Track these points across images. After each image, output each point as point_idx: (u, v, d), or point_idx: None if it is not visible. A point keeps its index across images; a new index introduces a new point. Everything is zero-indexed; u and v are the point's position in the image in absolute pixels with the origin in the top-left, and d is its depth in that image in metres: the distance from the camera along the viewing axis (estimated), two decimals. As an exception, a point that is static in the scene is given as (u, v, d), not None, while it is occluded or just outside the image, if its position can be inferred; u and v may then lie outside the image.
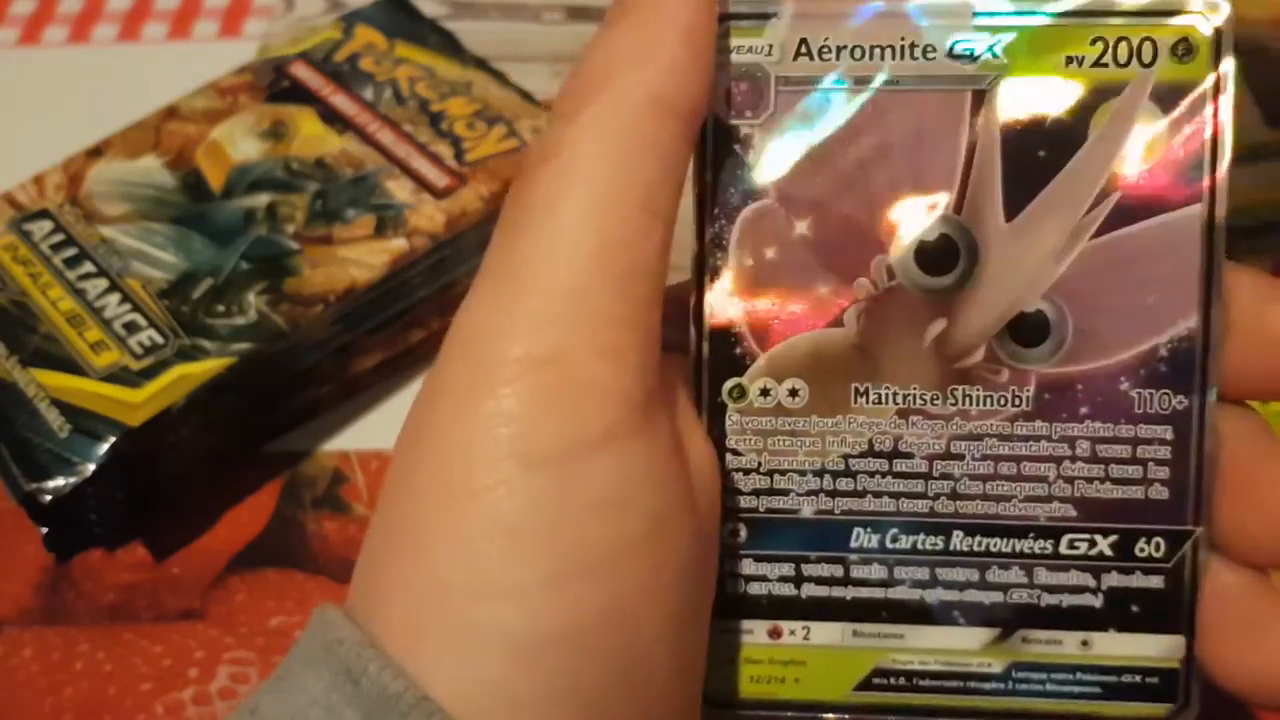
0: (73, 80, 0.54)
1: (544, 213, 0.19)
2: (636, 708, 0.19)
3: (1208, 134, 0.20)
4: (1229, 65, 0.20)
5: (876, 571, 0.22)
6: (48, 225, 0.41)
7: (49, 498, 0.34)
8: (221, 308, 0.38)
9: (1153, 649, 0.21)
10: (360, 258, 0.39)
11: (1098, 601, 0.21)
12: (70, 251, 0.40)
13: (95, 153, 0.43)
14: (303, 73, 0.45)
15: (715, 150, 0.21)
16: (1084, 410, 0.21)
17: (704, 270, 0.21)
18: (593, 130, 0.19)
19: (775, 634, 0.22)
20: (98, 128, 0.44)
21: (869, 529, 0.22)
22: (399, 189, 0.41)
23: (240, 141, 0.43)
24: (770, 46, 0.21)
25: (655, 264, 0.19)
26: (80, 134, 0.44)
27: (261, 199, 0.41)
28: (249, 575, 0.37)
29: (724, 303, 0.21)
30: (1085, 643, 0.22)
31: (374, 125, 0.43)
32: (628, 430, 0.19)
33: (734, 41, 0.21)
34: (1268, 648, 0.20)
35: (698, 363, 0.22)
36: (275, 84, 0.45)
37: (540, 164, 0.19)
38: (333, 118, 0.44)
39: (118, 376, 0.36)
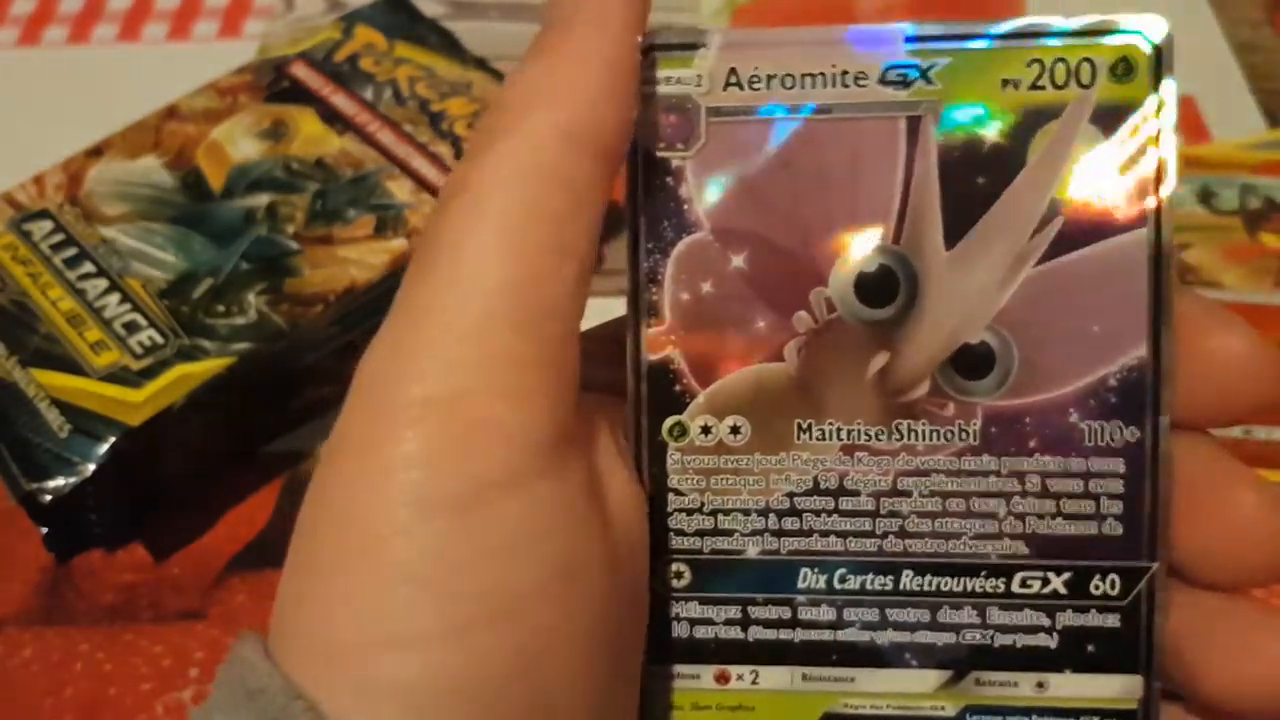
0: (73, 80, 0.54)
1: (448, 251, 0.19)
2: None
3: (1151, 155, 0.20)
4: (1170, 84, 0.20)
5: (825, 613, 0.21)
6: (48, 225, 0.41)
7: (49, 498, 0.34)
8: (221, 308, 0.38)
9: (1110, 689, 0.21)
10: (360, 258, 0.39)
11: (1053, 641, 0.21)
12: (70, 251, 0.40)
13: (95, 153, 0.43)
14: (303, 73, 0.45)
15: (646, 183, 0.21)
16: (1033, 444, 0.21)
17: (639, 306, 0.21)
18: (501, 166, 0.19)
19: (723, 679, 0.21)
20: (98, 128, 0.44)
21: (816, 569, 0.21)
22: (399, 189, 0.41)
23: (240, 141, 0.43)
24: (699, 77, 0.21)
25: (567, 302, 0.19)
26: (80, 134, 0.44)
27: (261, 199, 0.41)
28: (249, 575, 0.37)
29: (661, 339, 0.21)
30: (1041, 684, 0.21)
31: (374, 125, 0.43)
32: (534, 473, 0.18)
33: (662, 73, 0.21)
34: (1261, 660, 0.20)
35: (636, 401, 0.21)
36: (275, 84, 0.45)
37: (447, 201, 0.19)
38: (333, 118, 0.44)
39: (118, 376, 0.36)
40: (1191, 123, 0.48)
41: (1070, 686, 0.21)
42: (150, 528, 0.38)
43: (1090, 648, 0.21)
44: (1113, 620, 0.21)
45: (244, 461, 0.40)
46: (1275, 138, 0.47)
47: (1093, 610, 0.21)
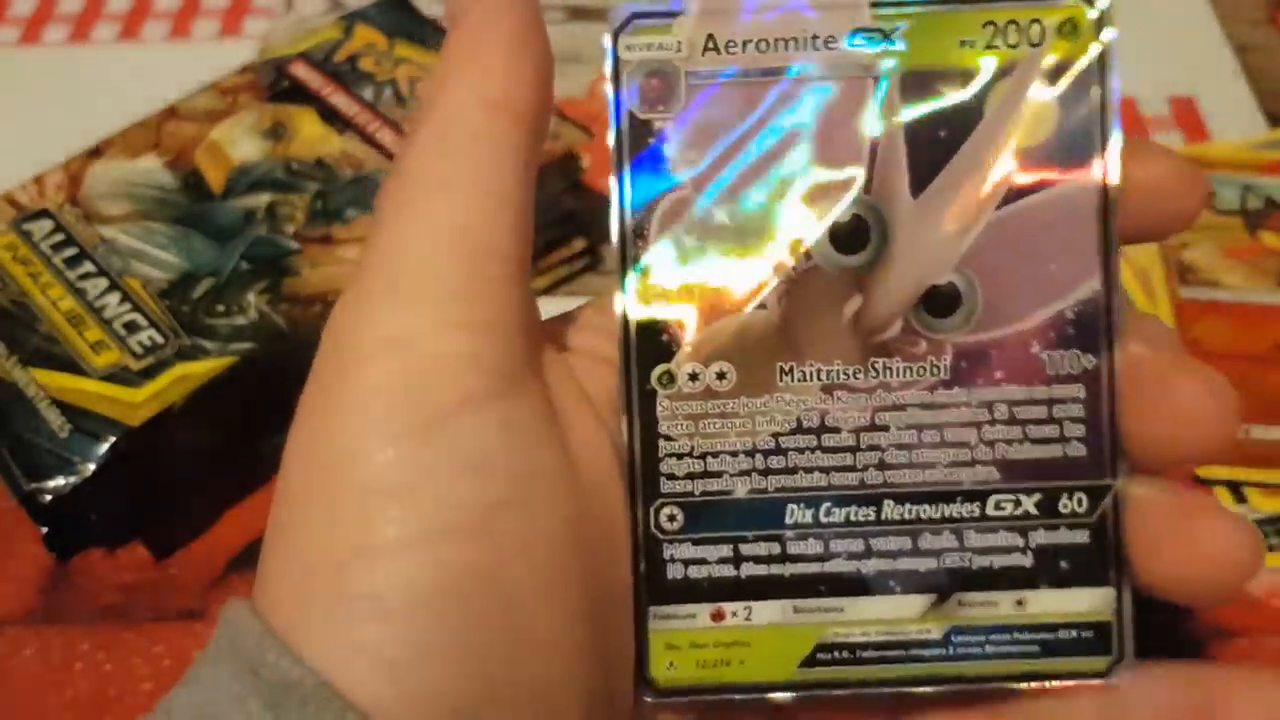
0: (73, 80, 0.54)
1: (393, 216, 0.21)
2: (529, 675, 0.19)
3: (1097, 106, 0.22)
4: (1112, 40, 0.22)
5: (812, 547, 0.22)
6: (48, 225, 0.41)
7: (49, 497, 0.34)
8: (222, 307, 0.38)
9: (1085, 603, 0.22)
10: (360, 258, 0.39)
11: (1028, 560, 0.22)
12: (70, 251, 0.40)
13: (95, 153, 0.43)
14: (303, 73, 0.45)
15: (631, 144, 0.22)
16: (999, 375, 0.22)
17: (625, 261, 0.22)
18: (429, 134, 0.21)
19: (718, 616, 0.22)
20: (98, 128, 0.44)
21: (802, 505, 0.22)
22: (399, 189, 0.41)
23: (240, 141, 0.43)
24: (679, 43, 0.22)
25: (508, 245, 0.21)
26: (80, 134, 0.44)
27: (262, 199, 0.41)
28: (249, 575, 0.37)
29: (647, 292, 0.22)
30: (1020, 602, 0.22)
31: (374, 125, 0.43)
32: (487, 395, 0.20)
33: (644, 39, 0.22)
34: (1198, 543, 0.21)
35: (625, 352, 0.22)
36: (276, 84, 0.45)
37: (386, 181, 0.21)
38: (333, 118, 0.44)
39: (118, 376, 0.36)
40: (1191, 122, 0.48)
41: (1047, 602, 0.22)
42: (150, 527, 0.38)
43: (1063, 564, 0.22)
44: (1082, 536, 0.22)
45: (244, 461, 0.40)
46: (1275, 138, 0.47)
47: (1063, 528, 0.22)
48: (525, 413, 0.20)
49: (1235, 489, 0.37)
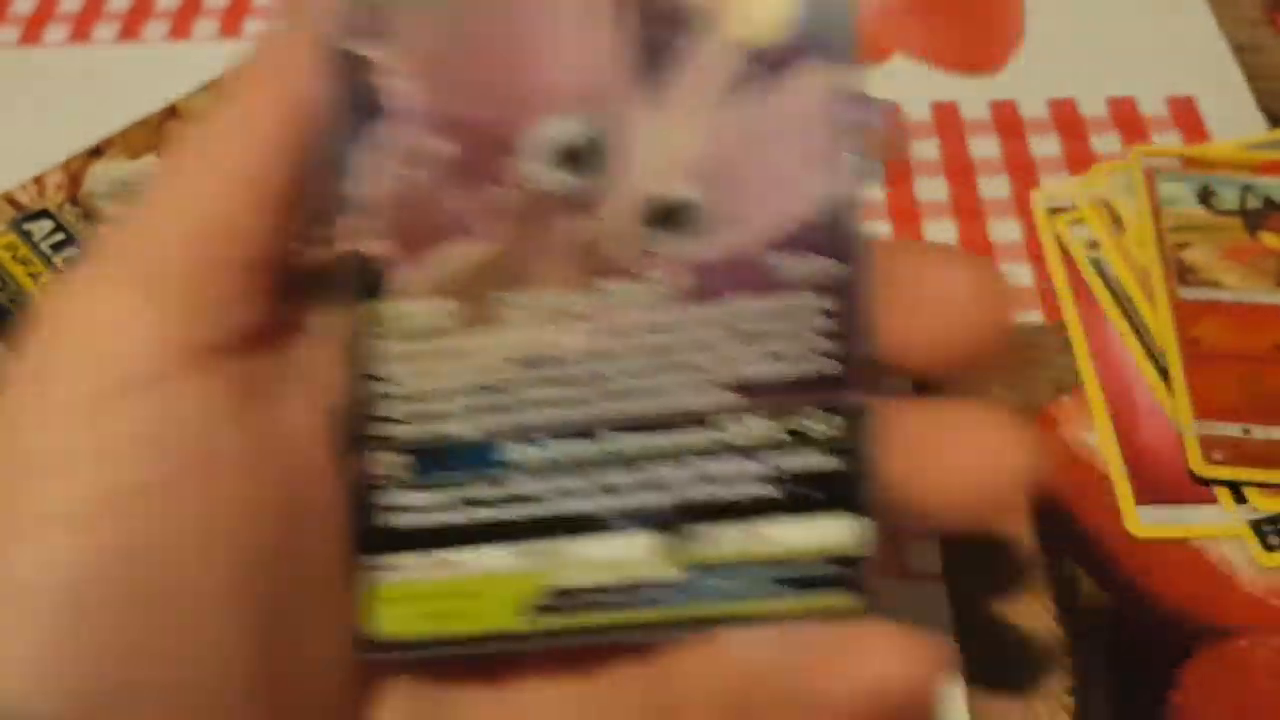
0: (73, 80, 0.54)
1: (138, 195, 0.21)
2: (180, 661, 0.19)
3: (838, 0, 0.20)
4: None
5: (536, 486, 0.21)
6: (48, 225, 0.41)
7: (50, 497, 0.34)
8: (222, 307, 0.38)
9: (830, 535, 0.20)
10: (361, 257, 0.39)
11: (765, 490, 0.20)
12: (71, 251, 0.40)
13: (96, 152, 0.43)
14: (303, 72, 0.45)
15: (342, 79, 0.20)
16: (731, 289, 0.20)
17: (338, 200, 0.21)
18: (200, 121, 0.21)
19: (442, 566, 0.21)
20: (98, 127, 0.44)
21: (528, 443, 0.21)
22: (399, 189, 0.41)
23: (241, 141, 0.43)
24: None
25: (249, 230, 0.20)
26: (81, 134, 0.44)
27: (262, 199, 0.41)
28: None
29: (361, 229, 0.20)
30: (762, 534, 0.20)
31: (374, 125, 0.43)
32: (168, 375, 0.19)
33: None
34: (946, 465, 0.20)
35: (343, 294, 0.21)
36: (276, 84, 0.45)
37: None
38: (333, 117, 0.44)
39: (118, 376, 0.36)
40: (1190, 122, 0.48)
41: (787, 534, 0.20)
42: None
43: (804, 492, 0.20)
44: (825, 461, 0.20)
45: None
46: (1275, 138, 0.47)
47: (806, 452, 0.20)
48: (214, 394, 0.19)
49: (1235, 489, 0.37)
